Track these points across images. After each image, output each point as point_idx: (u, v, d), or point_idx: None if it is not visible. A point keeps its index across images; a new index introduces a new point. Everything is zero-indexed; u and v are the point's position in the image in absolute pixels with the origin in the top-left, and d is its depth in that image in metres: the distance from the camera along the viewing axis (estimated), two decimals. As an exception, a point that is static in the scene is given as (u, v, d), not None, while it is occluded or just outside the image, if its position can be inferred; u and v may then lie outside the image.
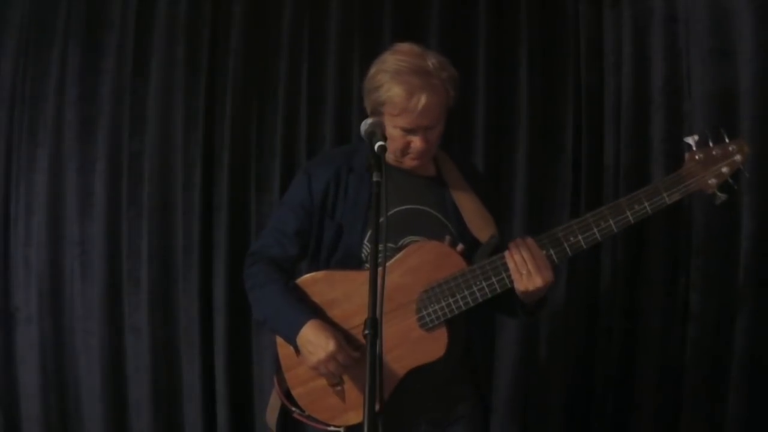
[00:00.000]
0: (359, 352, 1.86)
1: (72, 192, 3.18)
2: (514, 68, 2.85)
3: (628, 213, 1.79)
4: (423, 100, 1.85)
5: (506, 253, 1.83)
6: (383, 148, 1.72)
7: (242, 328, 3.01)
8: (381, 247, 1.64)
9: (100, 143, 3.16)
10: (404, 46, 1.96)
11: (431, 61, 1.91)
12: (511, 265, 1.81)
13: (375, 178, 1.63)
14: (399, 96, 1.86)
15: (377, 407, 1.46)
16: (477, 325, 2.03)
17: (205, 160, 3.05)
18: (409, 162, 1.96)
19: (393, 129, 1.90)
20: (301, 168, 2.18)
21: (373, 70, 1.94)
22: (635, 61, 2.67)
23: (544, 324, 2.80)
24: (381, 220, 1.60)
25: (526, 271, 1.79)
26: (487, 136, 2.85)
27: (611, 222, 1.80)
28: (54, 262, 3.19)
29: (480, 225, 1.96)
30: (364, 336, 1.51)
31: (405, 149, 1.92)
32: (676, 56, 2.60)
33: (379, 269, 1.57)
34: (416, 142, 1.90)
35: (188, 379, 3.04)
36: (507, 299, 1.90)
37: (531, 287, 1.80)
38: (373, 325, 1.50)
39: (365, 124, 1.81)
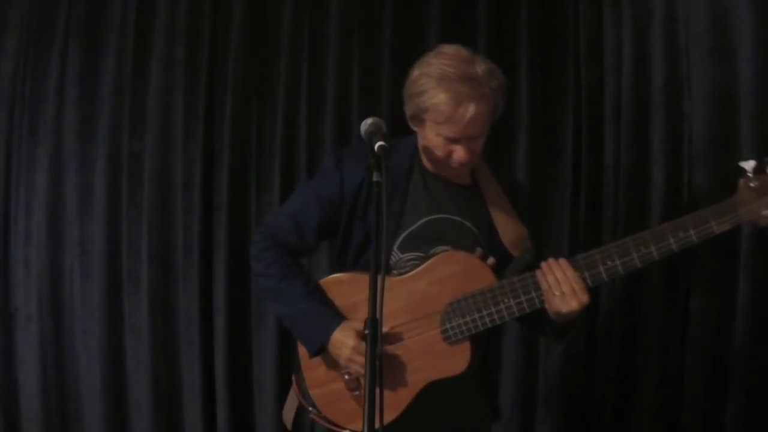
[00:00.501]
0: (389, 361, 1.83)
1: (72, 192, 3.18)
2: (514, 68, 2.84)
3: (672, 240, 1.70)
4: (471, 110, 1.74)
5: (538, 273, 1.77)
6: (383, 148, 1.69)
7: (242, 328, 3.01)
8: (386, 246, 1.65)
9: (100, 143, 3.16)
10: (451, 49, 1.83)
11: (480, 68, 1.78)
12: (544, 285, 1.75)
13: (375, 178, 1.61)
14: (445, 104, 1.75)
15: (379, 414, 1.44)
16: (493, 336, 2.01)
17: (205, 160, 3.05)
18: (449, 171, 1.88)
19: (435, 137, 1.81)
20: (334, 154, 2.02)
21: (416, 73, 1.83)
22: (635, 61, 2.67)
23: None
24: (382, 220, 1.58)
25: (560, 292, 1.72)
26: (488, 135, 2.84)
27: (653, 248, 1.70)
28: (54, 262, 3.19)
29: (514, 239, 1.88)
30: (364, 336, 1.50)
31: (447, 158, 1.83)
32: (676, 56, 2.60)
33: (381, 266, 1.54)
34: (459, 151, 1.81)
35: (188, 379, 3.04)
36: (536, 318, 1.83)
37: (565, 309, 1.73)
38: (373, 325, 1.49)
39: (365, 124, 1.80)
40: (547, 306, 1.76)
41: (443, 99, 1.75)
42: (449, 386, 1.85)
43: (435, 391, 1.85)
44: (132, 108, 3.12)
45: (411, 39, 2.94)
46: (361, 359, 1.78)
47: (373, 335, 1.48)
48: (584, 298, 1.73)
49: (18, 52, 3.24)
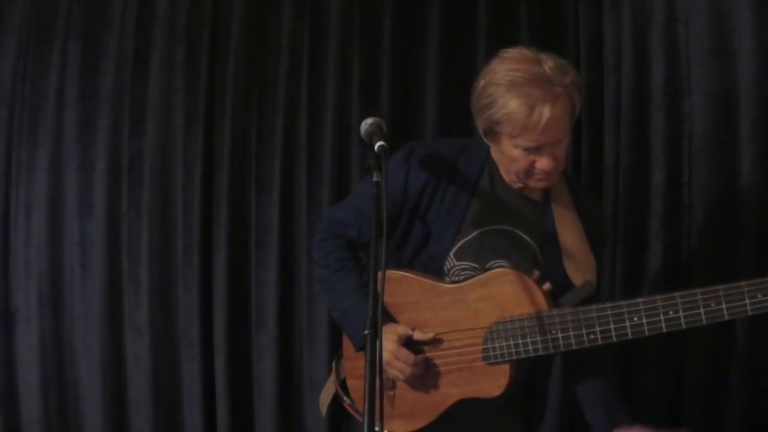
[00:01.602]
0: (419, 364, 1.77)
1: (72, 192, 3.17)
2: (514, 68, 2.84)
3: (748, 305, 1.54)
4: (546, 113, 1.62)
5: None
6: (383, 148, 1.66)
7: (242, 328, 3.01)
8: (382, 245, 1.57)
9: (100, 143, 3.16)
10: (514, 52, 1.73)
11: (548, 65, 1.69)
12: None
13: (375, 179, 1.58)
14: (518, 112, 1.63)
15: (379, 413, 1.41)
16: (541, 371, 1.90)
17: (205, 160, 3.05)
18: (534, 183, 1.75)
19: (513, 149, 1.69)
20: (406, 146, 1.89)
21: (481, 83, 1.72)
22: (635, 61, 2.67)
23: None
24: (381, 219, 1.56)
25: None
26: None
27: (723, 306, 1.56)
28: (54, 262, 3.18)
29: (577, 266, 1.77)
30: (364, 336, 1.48)
31: (529, 170, 1.71)
32: (676, 56, 2.60)
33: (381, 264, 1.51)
34: (542, 162, 1.68)
35: (188, 379, 3.04)
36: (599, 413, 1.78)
37: None
38: (373, 325, 1.48)
39: (365, 124, 1.76)
40: None
41: (515, 106, 1.64)
42: (483, 405, 1.78)
43: (467, 407, 1.78)
44: (132, 108, 3.12)
45: (411, 39, 2.94)
46: (399, 365, 1.75)
47: (373, 335, 1.48)
48: None
49: (18, 52, 3.24)
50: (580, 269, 1.76)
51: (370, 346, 1.46)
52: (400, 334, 1.76)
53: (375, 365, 1.44)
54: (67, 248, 3.19)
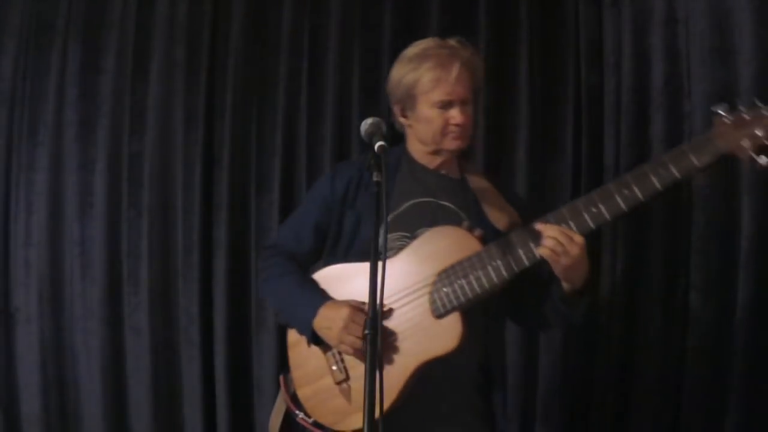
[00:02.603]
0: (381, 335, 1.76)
1: (72, 192, 3.18)
2: (514, 68, 2.84)
3: (654, 179, 1.64)
4: (456, 67, 1.84)
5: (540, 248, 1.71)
6: (383, 148, 1.70)
7: (242, 328, 3.01)
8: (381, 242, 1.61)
9: (100, 143, 3.16)
10: (419, 41, 1.95)
11: (451, 41, 1.91)
12: (546, 252, 1.69)
13: (375, 179, 1.61)
14: (431, 69, 1.85)
15: (377, 412, 1.41)
16: (496, 343, 1.96)
17: (205, 160, 3.05)
18: (450, 143, 1.90)
19: (429, 109, 1.88)
20: (328, 172, 2.23)
21: (393, 71, 1.94)
22: (635, 61, 2.67)
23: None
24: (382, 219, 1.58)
25: (561, 249, 1.67)
26: (488, 136, 2.85)
27: (636, 190, 1.65)
28: (54, 262, 3.19)
29: (500, 216, 1.89)
30: (364, 336, 1.48)
31: (445, 128, 1.89)
32: (676, 56, 2.60)
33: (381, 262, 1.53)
34: (455, 116, 1.87)
35: (188, 379, 3.04)
36: (548, 299, 1.82)
37: (568, 261, 1.68)
38: (373, 325, 1.47)
39: (365, 124, 1.80)
40: (557, 273, 1.73)
41: (429, 65, 1.85)
42: (446, 380, 1.81)
43: (430, 384, 1.80)
44: (132, 108, 3.12)
45: (411, 39, 2.91)
46: (354, 327, 1.75)
47: (373, 335, 1.47)
48: (578, 239, 1.69)
49: (18, 52, 3.24)
50: (503, 219, 1.88)
51: (370, 345, 1.45)
52: (351, 306, 1.79)
53: (375, 366, 1.44)
54: (67, 248, 3.19)
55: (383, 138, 1.74)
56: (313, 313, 1.83)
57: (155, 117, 3.11)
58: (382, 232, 1.60)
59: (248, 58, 3.05)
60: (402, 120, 2.00)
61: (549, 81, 2.85)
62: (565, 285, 1.78)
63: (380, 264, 1.52)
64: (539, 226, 1.71)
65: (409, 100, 1.91)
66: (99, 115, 3.17)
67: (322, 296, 1.87)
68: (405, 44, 2.88)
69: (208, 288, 3.04)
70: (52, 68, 3.19)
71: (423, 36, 2.83)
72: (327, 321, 1.81)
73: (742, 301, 2.41)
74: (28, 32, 3.23)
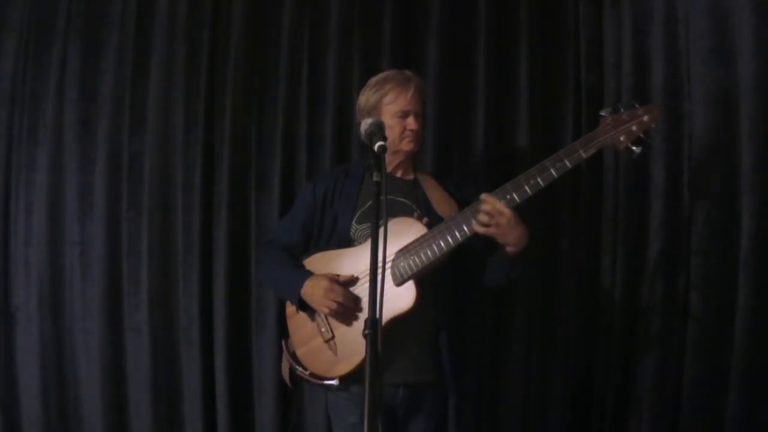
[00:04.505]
0: (350, 297, 2.19)
1: (72, 192, 3.17)
2: (514, 68, 2.85)
3: (552, 170, 2.10)
4: (413, 86, 2.32)
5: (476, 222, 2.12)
6: (383, 148, 1.75)
7: (242, 328, 3.01)
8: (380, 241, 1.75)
9: (100, 143, 3.16)
10: (380, 73, 2.40)
11: (406, 71, 2.36)
12: (479, 228, 2.11)
13: (375, 179, 1.66)
14: (393, 88, 2.31)
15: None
16: (446, 318, 2.28)
17: (205, 160, 3.05)
18: (406, 145, 2.32)
19: (391, 119, 2.29)
20: (310, 180, 2.67)
21: (363, 94, 2.36)
22: (635, 61, 2.67)
23: (543, 323, 2.80)
24: (381, 221, 1.64)
25: (494, 223, 2.09)
26: (488, 135, 2.85)
27: (539, 179, 2.11)
28: (54, 261, 3.18)
29: (444, 209, 2.28)
30: (364, 336, 1.52)
31: (402, 133, 2.31)
32: (676, 56, 2.61)
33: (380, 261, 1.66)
34: (411, 123, 2.30)
35: (188, 379, 3.04)
36: (498, 262, 2.24)
37: (498, 231, 2.10)
38: (373, 325, 1.49)
39: (365, 124, 1.86)
40: (499, 239, 2.14)
41: (391, 85, 2.32)
42: (408, 336, 2.19)
43: (399, 333, 2.14)
44: (132, 108, 3.12)
45: (411, 39, 2.94)
46: (334, 294, 2.17)
47: (373, 335, 1.48)
48: (506, 212, 2.09)
49: (18, 52, 3.24)
50: (445, 208, 2.28)
51: (370, 346, 1.47)
52: (328, 277, 2.22)
53: (375, 365, 1.45)
54: (67, 248, 3.19)
55: (383, 138, 1.80)
56: (301, 285, 2.24)
57: (155, 117, 3.11)
58: (381, 232, 1.72)
59: (248, 58, 3.05)
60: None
61: (549, 81, 2.85)
62: (507, 248, 2.16)
63: (383, 266, 1.61)
64: (481, 202, 2.12)
65: (375, 111, 2.31)
66: (99, 115, 3.16)
67: (306, 272, 2.28)
68: (405, 44, 2.94)
69: (208, 288, 3.04)
70: (52, 68, 3.19)
71: (423, 36, 2.90)
72: (311, 289, 2.22)
73: (742, 301, 2.41)
74: (28, 32, 3.23)
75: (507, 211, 2.10)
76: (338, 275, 2.24)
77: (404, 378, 2.22)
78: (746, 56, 2.44)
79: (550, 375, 2.80)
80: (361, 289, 2.22)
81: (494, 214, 2.10)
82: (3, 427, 3.18)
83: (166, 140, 3.10)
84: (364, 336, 1.55)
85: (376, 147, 1.78)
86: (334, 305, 2.18)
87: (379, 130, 1.83)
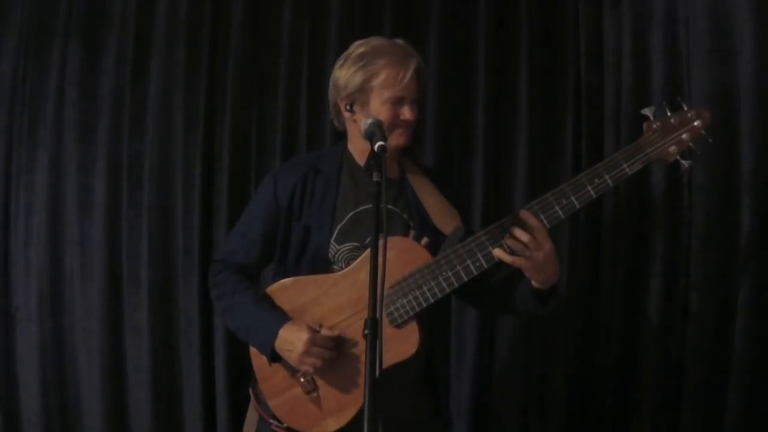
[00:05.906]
0: (335, 351, 1.86)
1: (72, 192, 3.17)
2: (514, 68, 2.84)
3: (590, 188, 1.76)
4: (413, 65, 1.90)
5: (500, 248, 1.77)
6: (383, 148, 1.71)
7: (242, 328, 3.01)
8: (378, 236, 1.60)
9: (100, 143, 3.16)
10: (362, 41, 1.99)
11: (399, 41, 1.97)
12: (508, 258, 1.76)
13: (375, 179, 1.62)
14: (388, 66, 1.89)
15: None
16: (438, 337, 2.02)
17: (205, 160, 3.05)
18: (396, 139, 1.93)
19: (381, 105, 1.91)
20: (269, 173, 2.18)
21: (339, 68, 1.97)
22: (635, 61, 2.67)
23: (543, 323, 2.80)
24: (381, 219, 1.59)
25: (528, 254, 1.73)
26: (488, 136, 2.85)
27: (573, 198, 1.77)
28: (54, 262, 3.18)
29: (443, 219, 1.94)
30: (364, 336, 1.49)
31: (392, 124, 1.91)
32: (676, 56, 2.60)
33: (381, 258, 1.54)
34: (406, 112, 1.91)
35: (188, 379, 3.04)
36: (521, 296, 1.88)
37: (530, 265, 1.74)
38: (373, 325, 1.48)
39: (365, 124, 1.83)
40: (527, 272, 1.78)
41: (385, 62, 1.89)
42: (396, 380, 1.82)
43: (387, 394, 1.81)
44: (132, 108, 3.12)
45: (411, 39, 2.93)
46: (317, 350, 1.82)
47: (373, 336, 1.48)
48: (545, 242, 1.73)
49: (18, 52, 3.23)
50: (446, 220, 1.93)
51: (370, 345, 1.46)
52: (307, 325, 1.86)
53: (375, 365, 1.44)
54: (67, 248, 3.18)
55: (383, 138, 1.75)
56: (274, 336, 1.87)
57: (155, 117, 3.10)
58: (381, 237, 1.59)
59: (248, 58, 3.04)
60: (347, 115, 2.02)
61: (549, 81, 2.85)
62: (533, 283, 1.82)
63: (383, 265, 1.52)
64: (513, 223, 1.76)
65: (361, 95, 1.93)
66: (99, 115, 3.16)
67: (279, 317, 1.90)
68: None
69: (207, 288, 3.03)
70: (52, 68, 3.19)
71: (423, 36, 2.89)
72: (288, 344, 1.86)
73: (742, 301, 2.41)
74: (28, 32, 3.22)
75: (548, 244, 1.74)
76: (320, 324, 1.87)
77: (404, 419, 1.88)
78: (746, 56, 2.44)
79: (550, 375, 2.79)
80: (357, 332, 1.83)
81: (531, 245, 1.73)
82: (3, 427, 3.18)
83: (166, 140, 3.10)
84: (364, 336, 1.49)
85: (376, 147, 1.70)
86: (318, 363, 1.83)
87: (379, 130, 1.77)
